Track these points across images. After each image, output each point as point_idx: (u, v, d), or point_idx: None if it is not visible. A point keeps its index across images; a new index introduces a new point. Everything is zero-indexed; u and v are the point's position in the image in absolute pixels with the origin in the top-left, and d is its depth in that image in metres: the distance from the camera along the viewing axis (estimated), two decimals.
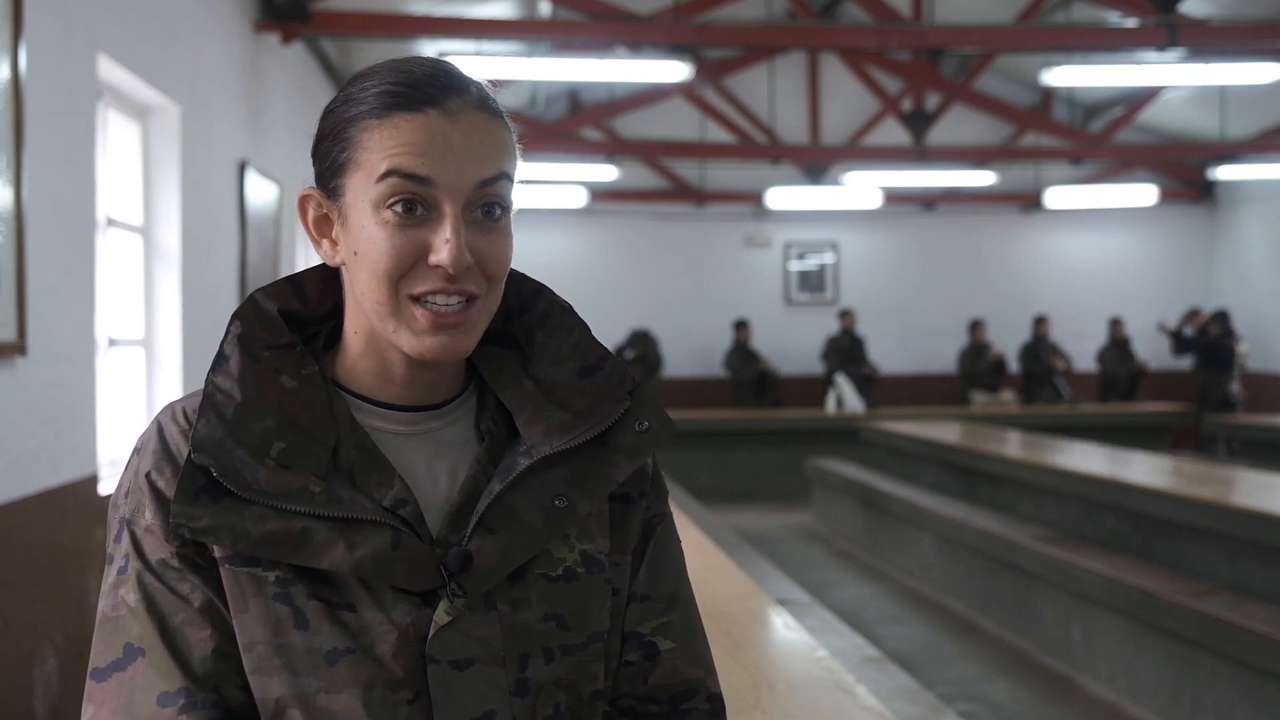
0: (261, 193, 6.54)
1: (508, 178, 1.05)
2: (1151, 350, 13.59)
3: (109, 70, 4.36)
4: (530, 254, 12.96)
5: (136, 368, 5.03)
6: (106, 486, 4.21)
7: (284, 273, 7.07)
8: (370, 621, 1.01)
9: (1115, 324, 13.16)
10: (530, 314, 1.16)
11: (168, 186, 5.11)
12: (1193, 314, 13.01)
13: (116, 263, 4.74)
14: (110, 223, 4.59)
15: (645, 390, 1.15)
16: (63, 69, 3.79)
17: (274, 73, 7.03)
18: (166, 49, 4.97)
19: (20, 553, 3.47)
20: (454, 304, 1.03)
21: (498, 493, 1.05)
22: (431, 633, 1.01)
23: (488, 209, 1.04)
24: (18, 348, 3.39)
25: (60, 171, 3.76)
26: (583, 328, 1.16)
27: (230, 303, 5.92)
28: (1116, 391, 12.92)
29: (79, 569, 3.89)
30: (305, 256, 8.17)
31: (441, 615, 1.02)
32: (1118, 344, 13.07)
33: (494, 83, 1.10)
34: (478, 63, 7.91)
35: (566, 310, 1.16)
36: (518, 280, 1.16)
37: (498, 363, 1.14)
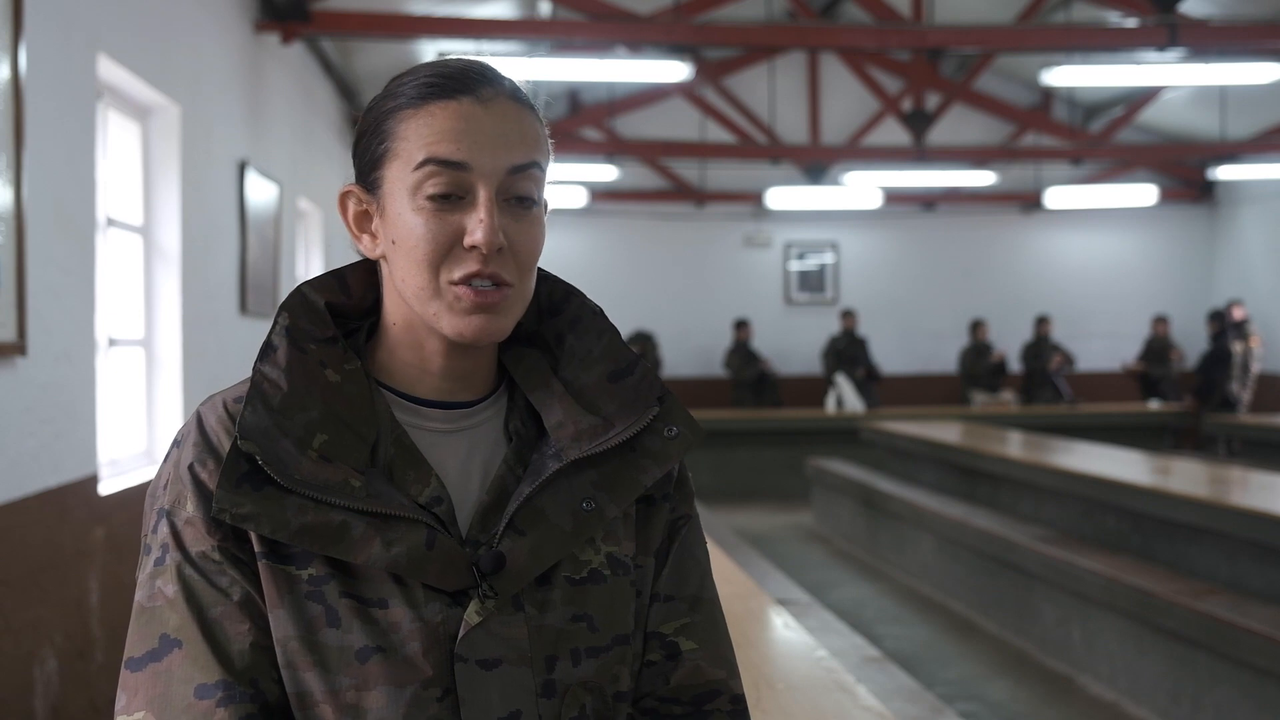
0: (261, 193, 6.54)
1: (539, 168, 1.08)
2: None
3: (109, 70, 4.36)
4: None
5: (136, 368, 5.03)
6: (106, 486, 4.21)
7: (283, 273, 7.07)
8: (401, 619, 1.02)
9: (1159, 322, 12.98)
10: (561, 316, 1.16)
11: (168, 186, 5.11)
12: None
13: (116, 263, 4.74)
14: (110, 223, 4.59)
15: (674, 396, 1.15)
16: (63, 69, 3.79)
17: (274, 73, 7.03)
18: (166, 49, 4.96)
19: (20, 553, 3.47)
20: (488, 287, 1.04)
21: (527, 495, 1.06)
22: (461, 632, 1.02)
23: (521, 198, 1.06)
24: (18, 348, 3.39)
25: (60, 171, 3.76)
26: (613, 332, 1.16)
27: (230, 303, 5.92)
28: (1157, 391, 12.69)
29: (79, 569, 3.89)
30: (305, 256, 8.17)
31: (472, 615, 1.02)
32: (1161, 343, 12.89)
33: (533, 83, 1.13)
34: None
35: (597, 314, 1.17)
36: (550, 282, 1.17)
37: (528, 363, 1.14)
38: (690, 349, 13.78)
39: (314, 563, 1.02)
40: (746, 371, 12.67)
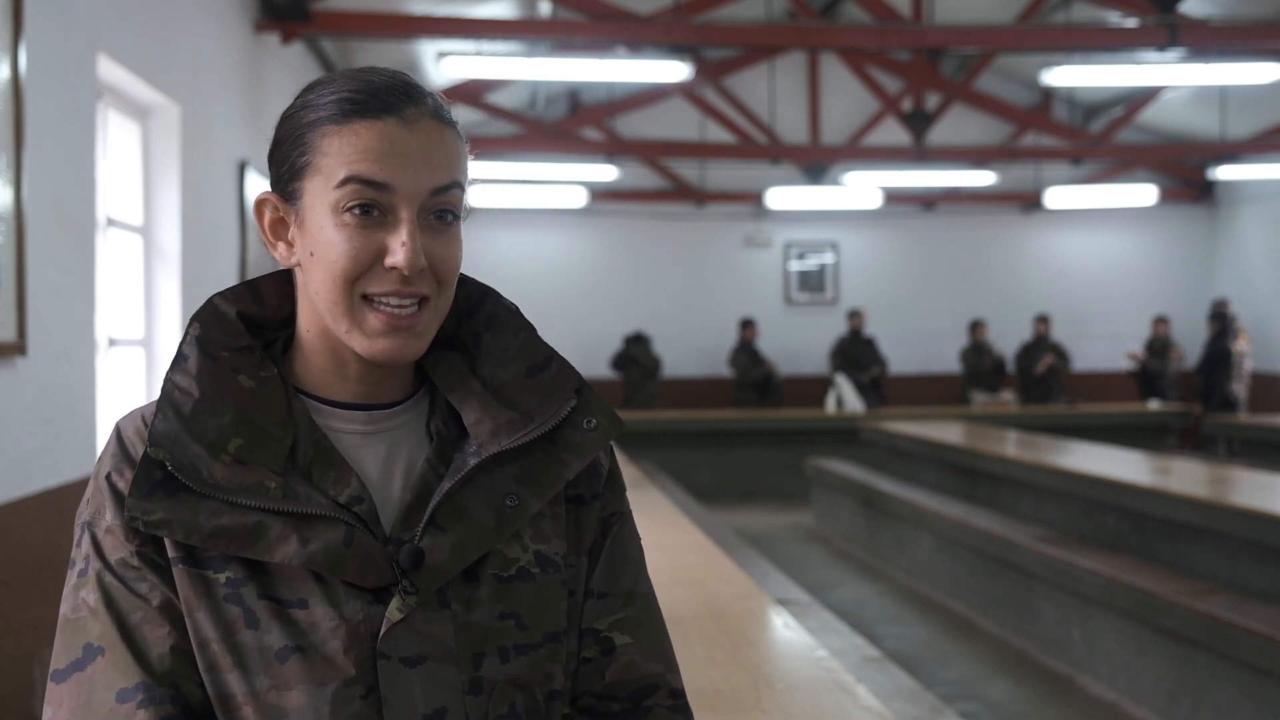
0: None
1: (460, 187, 1.09)
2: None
3: (109, 70, 4.36)
4: (530, 254, 12.98)
5: (136, 368, 5.03)
6: None
7: None
8: (321, 618, 1.02)
9: (1159, 322, 12.96)
10: (477, 316, 1.17)
11: (168, 186, 5.11)
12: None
13: (116, 263, 4.74)
14: (110, 223, 4.59)
15: (591, 389, 1.16)
16: (63, 69, 3.79)
17: (274, 73, 7.03)
18: (166, 49, 4.97)
19: (20, 553, 3.47)
20: (407, 306, 1.05)
21: (448, 491, 1.06)
22: (383, 630, 1.02)
23: (440, 214, 1.07)
24: (18, 348, 3.40)
25: (60, 171, 3.76)
26: (529, 329, 1.17)
27: None
28: (1156, 391, 12.64)
29: None
30: None
31: (393, 612, 1.03)
32: (1161, 343, 12.86)
33: (447, 94, 1.13)
34: (477, 63, 7.91)
35: (513, 312, 1.18)
36: (466, 283, 1.18)
37: (446, 365, 1.15)
38: (690, 349, 13.77)
39: (231, 566, 1.02)
40: (753, 372, 12.62)
